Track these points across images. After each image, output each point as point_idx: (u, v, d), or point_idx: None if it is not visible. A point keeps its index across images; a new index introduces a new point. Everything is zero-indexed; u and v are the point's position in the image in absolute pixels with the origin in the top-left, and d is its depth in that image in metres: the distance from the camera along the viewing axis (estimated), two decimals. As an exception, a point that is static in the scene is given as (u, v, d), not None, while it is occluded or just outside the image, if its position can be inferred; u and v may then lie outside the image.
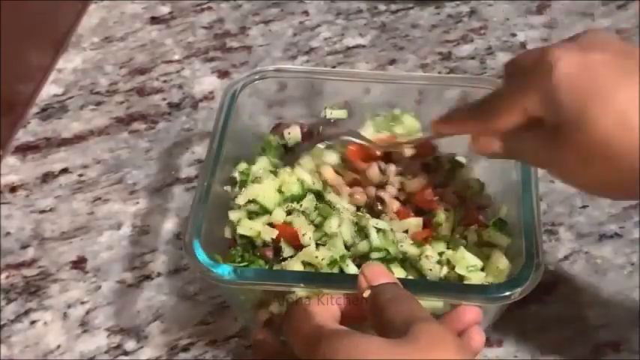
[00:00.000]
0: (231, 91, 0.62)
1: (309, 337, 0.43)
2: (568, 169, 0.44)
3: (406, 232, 0.58)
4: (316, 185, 0.59)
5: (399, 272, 0.54)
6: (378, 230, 0.56)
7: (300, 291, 0.50)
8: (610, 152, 0.40)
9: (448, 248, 0.56)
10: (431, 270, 0.53)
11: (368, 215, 0.58)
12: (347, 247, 0.55)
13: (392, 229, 0.56)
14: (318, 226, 0.56)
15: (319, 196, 0.58)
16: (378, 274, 0.45)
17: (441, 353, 0.38)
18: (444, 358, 0.38)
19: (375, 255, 0.54)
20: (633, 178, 0.40)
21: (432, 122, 0.55)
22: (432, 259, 0.54)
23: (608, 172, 0.41)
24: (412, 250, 0.55)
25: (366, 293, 0.44)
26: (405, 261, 0.55)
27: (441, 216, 0.58)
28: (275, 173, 0.59)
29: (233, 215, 0.57)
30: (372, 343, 0.39)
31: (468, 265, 0.54)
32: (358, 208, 0.60)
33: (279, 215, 0.56)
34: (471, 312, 0.47)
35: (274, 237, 0.55)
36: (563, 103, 0.40)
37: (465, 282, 0.53)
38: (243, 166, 0.60)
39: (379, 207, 0.59)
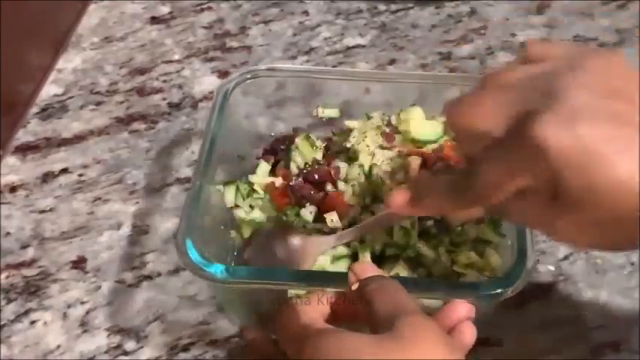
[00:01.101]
0: (223, 90, 0.63)
1: (296, 336, 0.43)
2: (570, 235, 0.41)
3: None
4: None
5: (403, 272, 0.54)
6: (401, 227, 0.56)
7: (292, 289, 0.50)
8: (617, 219, 0.38)
9: (452, 244, 0.56)
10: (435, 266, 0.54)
11: None
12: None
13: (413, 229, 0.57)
14: None
15: None
16: (367, 270, 0.46)
17: (425, 348, 0.38)
18: (428, 354, 0.38)
19: (389, 251, 0.55)
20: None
21: (392, 202, 0.47)
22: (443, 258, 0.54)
23: (618, 235, 0.39)
24: (428, 252, 0.55)
25: (354, 286, 0.45)
26: (412, 260, 0.55)
27: None
28: None
29: None
30: (356, 341, 0.39)
31: (468, 263, 0.54)
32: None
33: None
34: (463, 307, 0.47)
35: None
36: (564, 184, 0.37)
37: (460, 278, 0.53)
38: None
39: None
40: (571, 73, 0.38)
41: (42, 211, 0.71)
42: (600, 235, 0.39)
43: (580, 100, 0.37)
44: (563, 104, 0.37)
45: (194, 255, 0.51)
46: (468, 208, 0.44)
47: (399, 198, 0.46)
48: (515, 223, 0.50)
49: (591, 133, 0.36)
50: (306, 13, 0.92)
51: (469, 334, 0.46)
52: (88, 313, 0.64)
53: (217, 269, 0.50)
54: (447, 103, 0.42)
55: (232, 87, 0.63)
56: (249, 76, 0.64)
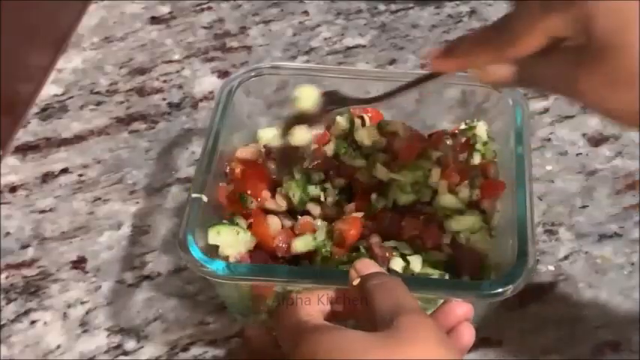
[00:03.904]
0: (227, 87, 0.63)
1: (294, 331, 0.43)
2: (594, 94, 0.41)
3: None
4: None
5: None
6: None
7: (292, 286, 0.50)
8: (632, 76, 0.39)
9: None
10: None
11: None
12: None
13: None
14: None
15: None
16: (369, 267, 0.46)
17: (423, 347, 0.38)
18: (426, 353, 0.38)
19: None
20: None
21: (431, 59, 0.48)
22: None
23: (630, 97, 0.40)
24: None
25: (356, 282, 0.45)
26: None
27: None
28: None
29: None
30: (352, 339, 0.39)
31: None
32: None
33: None
34: (461, 307, 0.47)
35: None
36: (598, 28, 0.38)
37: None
38: None
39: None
40: None
41: (42, 211, 0.71)
42: (616, 97, 0.40)
43: None
44: None
45: (196, 251, 0.51)
46: (498, 61, 0.44)
47: (434, 51, 0.47)
48: (541, 89, 0.50)
49: None
50: (306, 13, 0.92)
51: (468, 336, 0.46)
52: (88, 313, 0.64)
53: (218, 266, 0.51)
54: None
55: (237, 84, 0.63)
56: (253, 73, 0.64)
